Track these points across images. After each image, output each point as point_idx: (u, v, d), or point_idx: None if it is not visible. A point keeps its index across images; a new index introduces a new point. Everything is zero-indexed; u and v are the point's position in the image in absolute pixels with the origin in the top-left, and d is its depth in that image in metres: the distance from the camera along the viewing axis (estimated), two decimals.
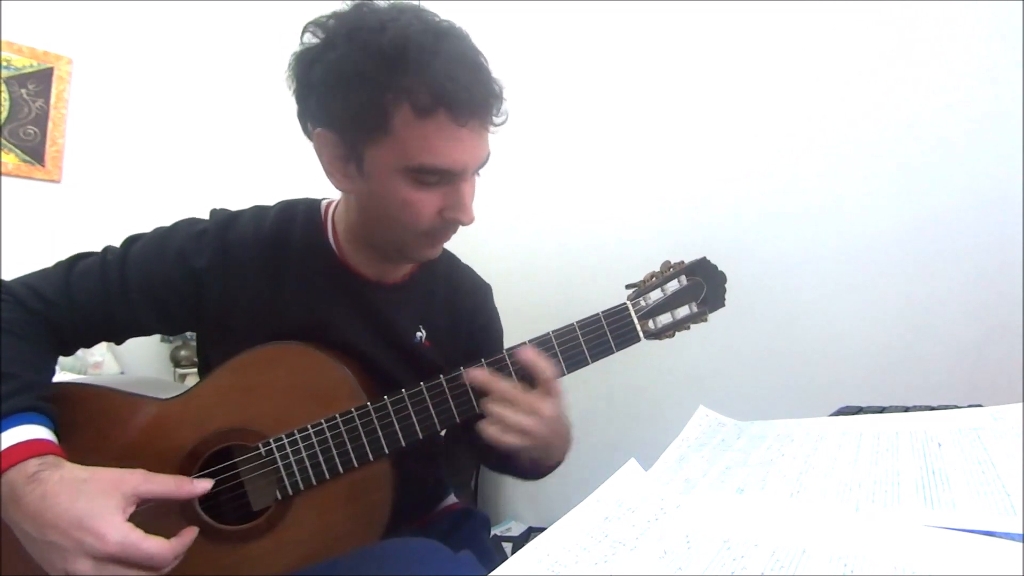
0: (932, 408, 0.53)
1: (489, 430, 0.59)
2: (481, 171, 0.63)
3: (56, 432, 0.56)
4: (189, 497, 0.55)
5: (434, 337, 0.74)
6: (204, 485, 0.56)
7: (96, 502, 0.49)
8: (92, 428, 0.62)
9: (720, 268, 0.69)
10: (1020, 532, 0.30)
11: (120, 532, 0.48)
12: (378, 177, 0.59)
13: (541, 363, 0.60)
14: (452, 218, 0.61)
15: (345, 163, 0.60)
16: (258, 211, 0.71)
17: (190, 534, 0.54)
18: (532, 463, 0.69)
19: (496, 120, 0.60)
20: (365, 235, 0.68)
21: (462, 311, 0.77)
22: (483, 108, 0.56)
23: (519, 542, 1.64)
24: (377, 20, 0.54)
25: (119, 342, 0.69)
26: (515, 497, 1.90)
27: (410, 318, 0.73)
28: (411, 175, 0.57)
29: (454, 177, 0.58)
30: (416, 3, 0.59)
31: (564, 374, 0.64)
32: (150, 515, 0.58)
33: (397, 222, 0.61)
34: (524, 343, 0.63)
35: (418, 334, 0.73)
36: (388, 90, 0.53)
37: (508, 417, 0.58)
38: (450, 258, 0.82)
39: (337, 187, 0.64)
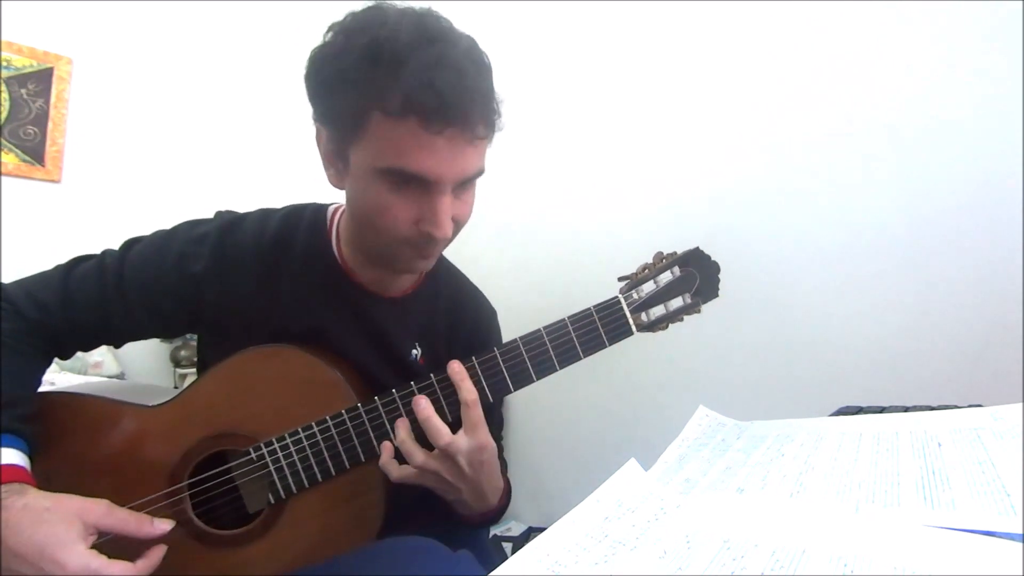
0: (932, 408, 0.53)
1: (387, 461, 0.58)
2: (471, 183, 0.60)
3: (31, 453, 0.56)
4: (147, 537, 0.54)
5: (429, 356, 0.72)
6: (165, 525, 0.56)
7: (58, 530, 0.49)
8: (84, 437, 0.62)
9: (714, 259, 0.68)
10: (1020, 532, 0.29)
11: (80, 560, 0.48)
12: (358, 177, 0.58)
13: (465, 383, 0.59)
14: (426, 231, 0.57)
15: (336, 159, 0.60)
16: (264, 214, 0.70)
17: (158, 552, 0.54)
18: (450, 506, 0.66)
19: (480, 132, 0.55)
20: (357, 240, 0.66)
21: (461, 330, 0.75)
22: (461, 119, 0.52)
23: (519, 542, 1.64)
24: (376, 22, 0.52)
25: (118, 346, 0.68)
26: (515, 497, 1.88)
27: (407, 334, 0.71)
28: (385, 177, 0.55)
29: (429, 186, 0.55)
30: (427, 7, 0.57)
31: (558, 369, 0.63)
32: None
33: (376, 227, 0.59)
34: (456, 361, 0.61)
35: (414, 352, 0.71)
36: (363, 92, 0.52)
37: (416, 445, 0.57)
38: (457, 277, 0.80)
39: (331, 182, 0.64)
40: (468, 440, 0.57)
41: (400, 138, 0.52)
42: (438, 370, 0.67)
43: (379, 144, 0.54)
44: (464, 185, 0.59)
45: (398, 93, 0.51)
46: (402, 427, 0.59)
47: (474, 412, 0.58)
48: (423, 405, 0.58)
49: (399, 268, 0.65)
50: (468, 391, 0.58)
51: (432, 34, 0.52)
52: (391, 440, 0.60)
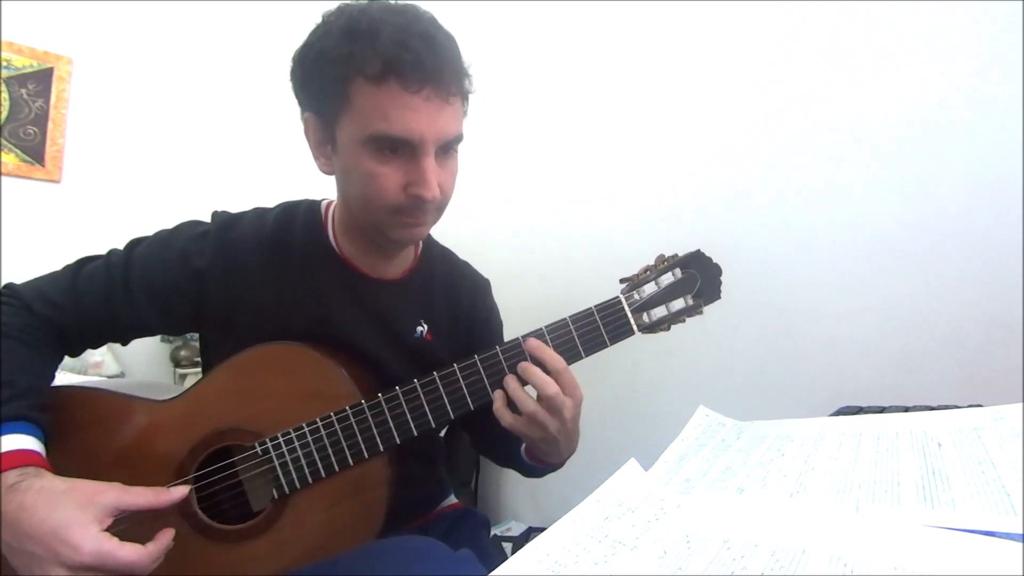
0: (932, 408, 0.53)
1: (500, 408, 0.62)
2: (455, 149, 0.63)
3: (46, 441, 0.56)
4: (168, 505, 0.55)
5: (435, 331, 0.75)
6: (181, 491, 0.56)
7: (72, 513, 0.49)
8: (91, 431, 0.62)
9: (715, 261, 0.69)
10: (1020, 532, 0.30)
11: (95, 542, 0.49)
12: (345, 152, 0.60)
13: (548, 352, 0.62)
14: (415, 193, 0.59)
15: (325, 145, 0.63)
16: (259, 212, 0.72)
17: (167, 536, 0.55)
18: (535, 457, 0.72)
19: (454, 90, 0.59)
20: (350, 221, 0.69)
21: (461, 306, 0.79)
22: (435, 76, 0.56)
23: (519, 542, 1.64)
24: (348, 8, 0.58)
25: (125, 343, 0.69)
26: (515, 497, 1.89)
27: (410, 313, 0.74)
28: (371, 146, 0.58)
29: (413, 149, 0.58)
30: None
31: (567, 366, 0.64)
32: (148, 516, 0.58)
33: (366, 198, 0.62)
34: (525, 336, 0.64)
35: (419, 328, 0.74)
36: (343, 64, 0.56)
37: (529, 399, 0.61)
38: (448, 254, 0.83)
39: (321, 170, 0.67)
40: (570, 398, 0.62)
41: (382, 102, 0.56)
42: (445, 344, 0.75)
43: (363, 112, 0.57)
44: (446, 152, 0.62)
45: (376, 58, 0.55)
46: (512, 380, 0.62)
47: (567, 376, 0.62)
48: (532, 342, 0.63)
49: (393, 239, 0.66)
50: (555, 359, 0.62)
51: (400, 8, 0.58)
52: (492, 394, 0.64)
